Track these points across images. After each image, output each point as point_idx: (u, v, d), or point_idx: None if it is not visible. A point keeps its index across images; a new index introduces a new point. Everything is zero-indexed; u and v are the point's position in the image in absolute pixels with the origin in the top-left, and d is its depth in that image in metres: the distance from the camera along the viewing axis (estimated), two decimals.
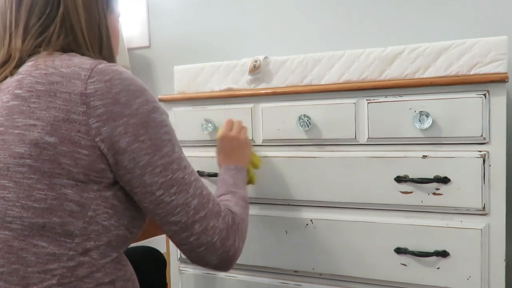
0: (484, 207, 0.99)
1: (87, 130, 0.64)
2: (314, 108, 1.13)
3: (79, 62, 0.68)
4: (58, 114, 0.64)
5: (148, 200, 0.69)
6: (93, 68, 0.66)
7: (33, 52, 0.71)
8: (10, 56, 0.71)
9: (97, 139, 0.64)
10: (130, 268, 0.75)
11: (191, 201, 0.71)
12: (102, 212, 0.67)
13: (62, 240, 0.64)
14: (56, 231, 0.64)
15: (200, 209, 0.72)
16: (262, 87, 1.25)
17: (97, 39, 0.75)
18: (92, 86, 0.65)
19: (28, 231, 0.63)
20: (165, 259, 1.24)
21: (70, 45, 0.72)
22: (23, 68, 0.69)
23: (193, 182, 0.72)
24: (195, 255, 0.74)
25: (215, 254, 0.73)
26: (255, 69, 1.24)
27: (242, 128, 1.10)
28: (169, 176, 0.69)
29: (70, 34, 0.72)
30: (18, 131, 0.64)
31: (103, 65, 0.68)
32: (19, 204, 0.63)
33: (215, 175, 1.23)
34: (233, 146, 1.04)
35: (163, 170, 0.68)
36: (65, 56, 0.69)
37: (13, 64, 0.70)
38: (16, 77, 0.68)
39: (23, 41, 0.71)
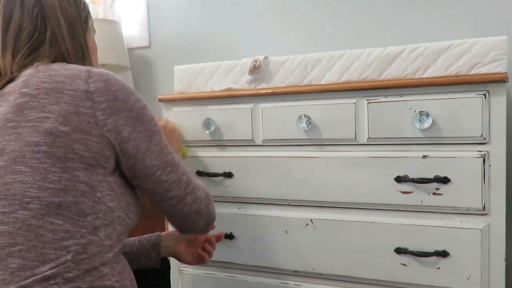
0: (484, 207, 0.99)
1: (96, 122, 0.73)
2: (314, 108, 1.13)
3: (75, 67, 0.77)
4: (68, 108, 0.72)
5: (150, 181, 0.81)
6: (90, 70, 0.76)
7: (24, 66, 0.78)
8: (0, 73, 0.78)
9: (104, 130, 0.74)
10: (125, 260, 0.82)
11: (182, 177, 0.85)
12: (106, 194, 0.75)
13: (76, 219, 0.71)
14: (70, 209, 0.70)
15: (189, 183, 0.87)
16: (262, 87, 1.25)
17: (80, 55, 0.85)
18: (93, 85, 0.74)
19: (45, 210, 0.69)
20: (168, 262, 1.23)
21: (57, 59, 0.81)
22: (25, 73, 0.76)
23: (179, 162, 0.87)
24: (188, 222, 0.89)
25: (202, 219, 0.91)
26: (255, 69, 1.24)
27: (167, 120, 1.25)
28: (163, 159, 0.82)
29: (58, 52, 0.82)
30: (31, 124, 0.71)
31: (96, 69, 0.77)
32: (36, 185, 0.69)
33: (215, 175, 1.23)
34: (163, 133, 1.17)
35: (158, 154, 0.81)
36: (59, 64, 0.78)
37: (6, 78, 0.77)
38: (20, 79, 0.75)
39: (13, 58, 0.79)
